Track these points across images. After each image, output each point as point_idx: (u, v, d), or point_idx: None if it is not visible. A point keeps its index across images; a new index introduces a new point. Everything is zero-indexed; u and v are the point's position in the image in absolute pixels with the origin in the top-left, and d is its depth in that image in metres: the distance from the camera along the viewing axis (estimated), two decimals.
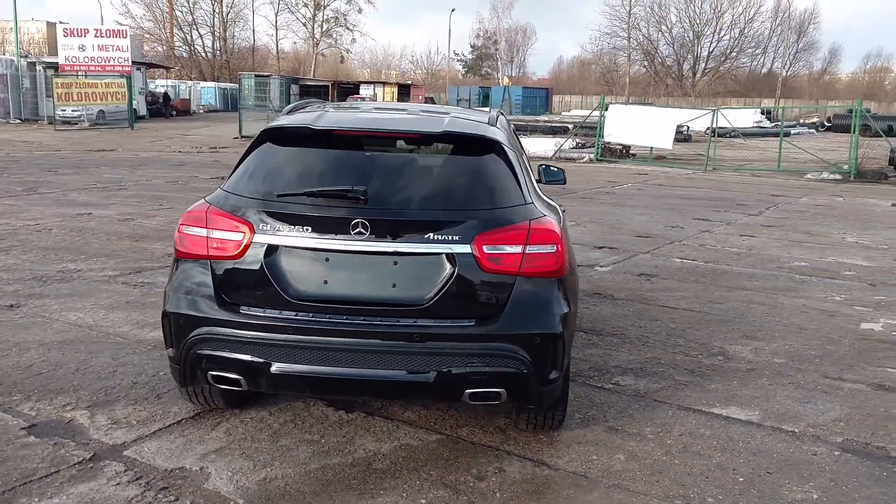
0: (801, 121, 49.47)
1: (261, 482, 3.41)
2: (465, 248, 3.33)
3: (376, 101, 56.85)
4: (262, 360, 3.33)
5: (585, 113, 43.67)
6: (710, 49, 72.45)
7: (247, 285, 3.42)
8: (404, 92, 67.62)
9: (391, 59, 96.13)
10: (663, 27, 72.67)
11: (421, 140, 3.70)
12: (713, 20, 71.12)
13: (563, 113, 53.06)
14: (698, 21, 71.30)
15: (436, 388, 3.34)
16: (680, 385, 4.76)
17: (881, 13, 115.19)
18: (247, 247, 3.39)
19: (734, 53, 71.99)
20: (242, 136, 27.98)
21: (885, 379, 4.99)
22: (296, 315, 3.35)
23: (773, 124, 43.76)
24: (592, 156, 22.92)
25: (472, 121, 3.95)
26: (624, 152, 23.50)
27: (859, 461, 3.84)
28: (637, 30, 72.61)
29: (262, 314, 3.38)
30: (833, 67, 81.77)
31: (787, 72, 69.36)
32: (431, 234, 3.33)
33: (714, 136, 22.60)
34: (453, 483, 3.47)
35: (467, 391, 3.35)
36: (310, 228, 3.33)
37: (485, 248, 3.34)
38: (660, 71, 74.13)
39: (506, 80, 74.14)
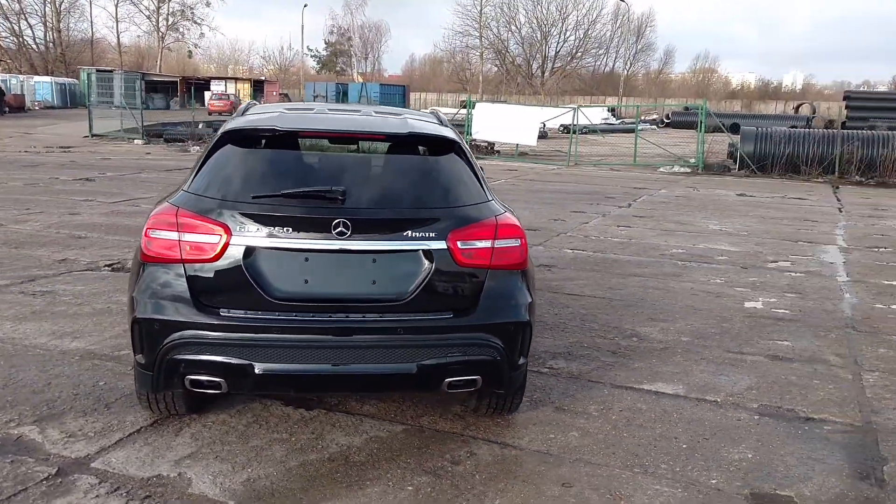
0: (643, 118, 52.67)
1: (245, 483, 3.43)
2: (441, 245, 3.49)
3: (238, 96, 55.13)
4: (245, 362, 3.35)
5: (444, 110, 44.53)
6: (557, 49, 75.66)
7: (226, 287, 3.41)
8: (258, 88, 65.95)
9: (239, 55, 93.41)
10: (513, 27, 75.16)
11: (387, 141, 3.81)
12: (559, 21, 74.35)
13: (422, 110, 53.60)
14: (545, 22, 74.28)
15: (418, 380, 3.49)
16: (607, 366, 5.13)
17: (709, 18, 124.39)
18: (224, 249, 3.38)
19: (579, 53, 75.56)
20: (93, 135, 26.46)
21: (776, 350, 5.59)
22: (278, 315, 3.39)
23: (619, 121, 46.47)
24: None
25: (428, 122, 4.11)
26: (489, 149, 24.22)
27: (776, 423, 4.33)
28: (488, 29, 74.61)
29: (243, 315, 3.39)
30: (668, 68, 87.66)
31: (628, 71, 73.59)
32: (409, 232, 3.47)
33: (575, 133, 23.74)
34: (433, 469, 3.62)
35: (446, 380, 3.51)
36: (290, 229, 3.38)
37: (458, 243, 3.52)
38: (511, 69, 76.50)
39: (358, 77, 73.98)
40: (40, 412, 4.05)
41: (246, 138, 3.72)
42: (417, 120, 4.10)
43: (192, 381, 3.42)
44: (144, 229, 3.51)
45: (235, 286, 3.40)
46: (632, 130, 39.91)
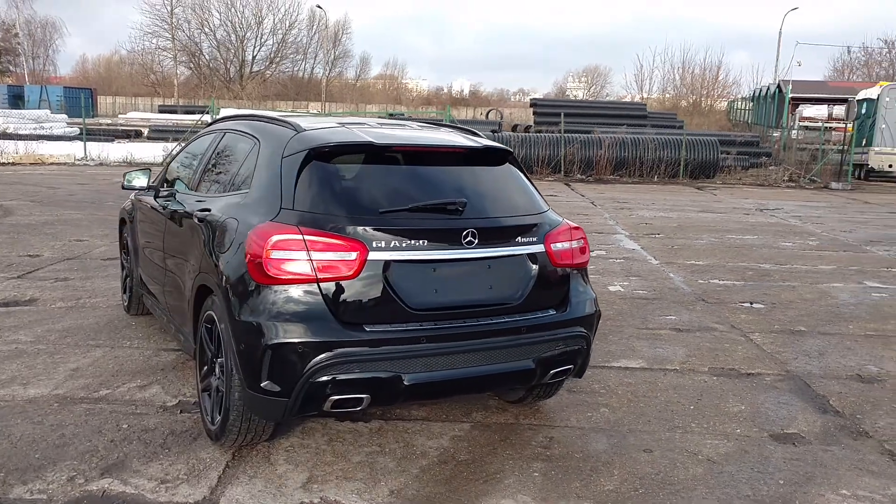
0: None
1: (393, 494, 3.44)
2: (541, 248, 3.82)
3: None
4: (394, 374, 3.38)
5: (145, 115, 41.63)
6: (255, 53, 74.46)
7: (368, 303, 3.39)
8: None
9: None
10: (206, 29, 72.41)
11: (467, 154, 3.98)
12: (255, 25, 73.18)
13: (120, 115, 49.30)
14: (241, 25, 72.68)
15: (535, 373, 3.77)
16: None
17: (395, 27, 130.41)
18: (361, 265, 3.37)
19: (278, 58, 75.07)
20: None
21: (673, 324, 6.60)
22: (420, 325, 3.46)
23: None
24: None
25: (476, 135, 4.32)
26: None
27: (732, 380, 5.23)
28: (181, 30, 71.14)
29: (389, 329, 3.41)
30: (364, 74, 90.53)
31: (327, 77, 74.79)
32: (519, 238, 3.74)
33: None
34: (535, 455, 3.92)
35: (551, 371, 3.84)
36: (425, 241, 3.46)
37: (552, 245, 3.87)
38: (206, 73, 73.66)
39: (7, 80, 66.36)
40: (97, 464, 3.59)
41: (335, 154, 3.68)
42: (470, 134, 4.30)
43: (335, 401, 3.36)
44: (264, 251, 3.33)
45: (377, 301, 3.40)
46: None
